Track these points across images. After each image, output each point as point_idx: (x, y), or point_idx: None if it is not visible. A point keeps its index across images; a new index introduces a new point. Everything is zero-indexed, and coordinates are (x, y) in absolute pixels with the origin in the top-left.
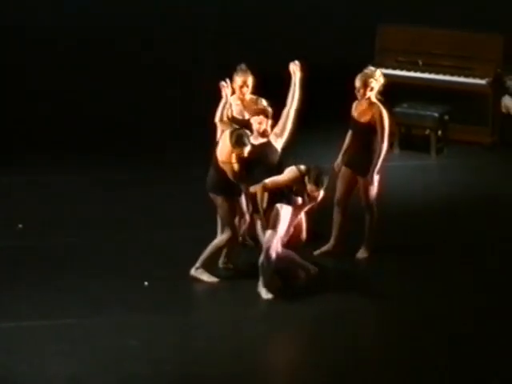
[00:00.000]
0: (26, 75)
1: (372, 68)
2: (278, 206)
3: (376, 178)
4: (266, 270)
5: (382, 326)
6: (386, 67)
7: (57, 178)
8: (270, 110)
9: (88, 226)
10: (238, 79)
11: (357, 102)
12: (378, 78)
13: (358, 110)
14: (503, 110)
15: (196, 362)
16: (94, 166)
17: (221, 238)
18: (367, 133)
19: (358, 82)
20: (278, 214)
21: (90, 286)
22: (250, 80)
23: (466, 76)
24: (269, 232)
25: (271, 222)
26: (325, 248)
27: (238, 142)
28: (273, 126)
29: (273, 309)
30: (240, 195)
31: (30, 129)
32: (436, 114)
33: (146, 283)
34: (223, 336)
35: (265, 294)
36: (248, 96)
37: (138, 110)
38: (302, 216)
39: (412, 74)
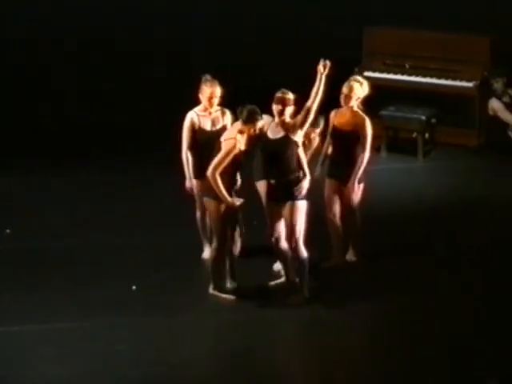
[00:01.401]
0: (24, 77)
1: (359, 77)
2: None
3: (360, 186)
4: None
5: (379, 326)
6: (374, 70)
7: (45, 180)
8: (290, 97)
9: (76, 230)
10: (207, 90)
11: (336, 110)
12: (365, 88)
13: (339, 119)
14: (490, 113)
15: (185, 365)
16: (87, 167)
17: (210, 251)
18: (350, 141)
19: (345, 89)
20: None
21: (79, 290)
22: (219, 90)
23: (453, 79)
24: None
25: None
26: (332, 261)
27: (249, 116)
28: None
29: (266, 311)
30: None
31: (27, 130)
32: (423, 117)
33: (133, 287)
34: (214, 339)
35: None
36: (215, 107)
37: (137, 110)
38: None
39: (399, 76)
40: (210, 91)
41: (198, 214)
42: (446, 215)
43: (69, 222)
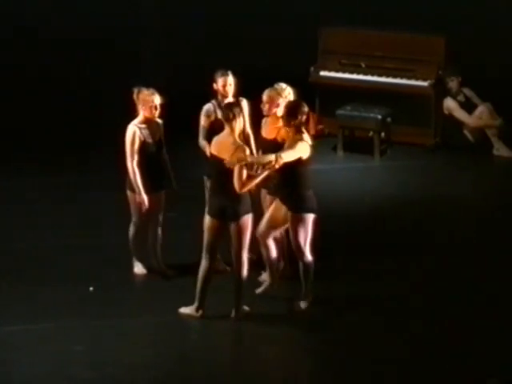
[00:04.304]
0: None
1: (282, 84)
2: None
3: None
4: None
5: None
6: (329, 70)
7: (5, 183)
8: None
9: (36, 232)
10: (149, 99)
11: (265, 118)
12: (286, 95)
13: (265, 128)
14: (445, 112)
15: (142, 366)
16: (35, 169)
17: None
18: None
19: (264, 97)
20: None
21: (36, 292)
22: (159, 99)
23: (409, 78)
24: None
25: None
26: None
27: (227, 109)
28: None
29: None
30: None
31: None
32: (379, 116)
33: (91, 288)
34: (170, 340)
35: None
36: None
37: (85, 110)
38: None
39: (355, 76)
40: (152, 100)
41: (133, 230)
42: (402, 214)
43: (16, 226)
